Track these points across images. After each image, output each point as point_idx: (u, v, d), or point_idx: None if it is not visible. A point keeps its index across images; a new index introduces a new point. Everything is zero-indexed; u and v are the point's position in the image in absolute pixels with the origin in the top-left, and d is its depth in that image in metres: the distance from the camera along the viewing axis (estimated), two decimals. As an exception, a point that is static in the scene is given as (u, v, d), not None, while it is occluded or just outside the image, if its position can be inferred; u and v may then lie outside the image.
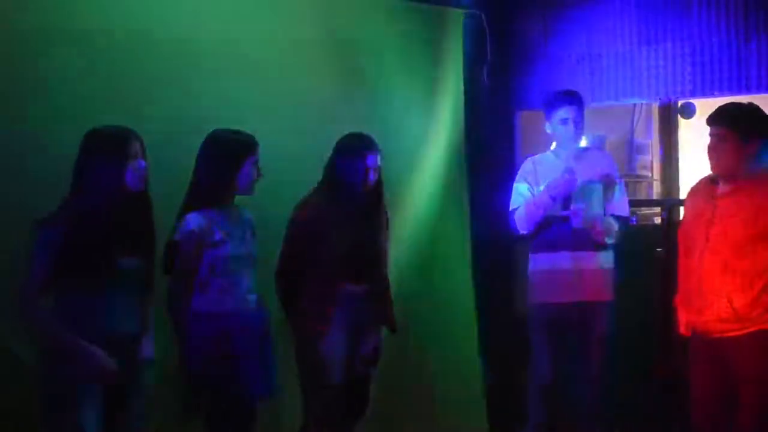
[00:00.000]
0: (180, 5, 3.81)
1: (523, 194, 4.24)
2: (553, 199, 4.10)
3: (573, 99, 4.23)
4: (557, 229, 4.17)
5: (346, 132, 3.75)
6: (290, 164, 3.90)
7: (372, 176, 3.70)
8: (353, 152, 3.67)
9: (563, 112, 4.19)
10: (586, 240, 4.17)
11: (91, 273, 2.84)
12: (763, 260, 3.38)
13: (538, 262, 4.28)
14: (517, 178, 4.33)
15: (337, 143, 3.72)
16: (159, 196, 3.19)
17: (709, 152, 3.50)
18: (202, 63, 3.82)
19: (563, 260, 4.19)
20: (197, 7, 3.88)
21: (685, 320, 3.66)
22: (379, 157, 3.70)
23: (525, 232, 4.23)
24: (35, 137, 3.23)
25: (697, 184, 3.70)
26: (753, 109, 3.51)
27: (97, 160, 2.89)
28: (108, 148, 2.91)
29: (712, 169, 3.53)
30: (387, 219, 3.88)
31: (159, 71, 3.67)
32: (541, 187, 4.19)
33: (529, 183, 4.26)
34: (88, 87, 3.47)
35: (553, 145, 4.37)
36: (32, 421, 2.91)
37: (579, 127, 4.23)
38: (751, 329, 3.40)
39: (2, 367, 3.17)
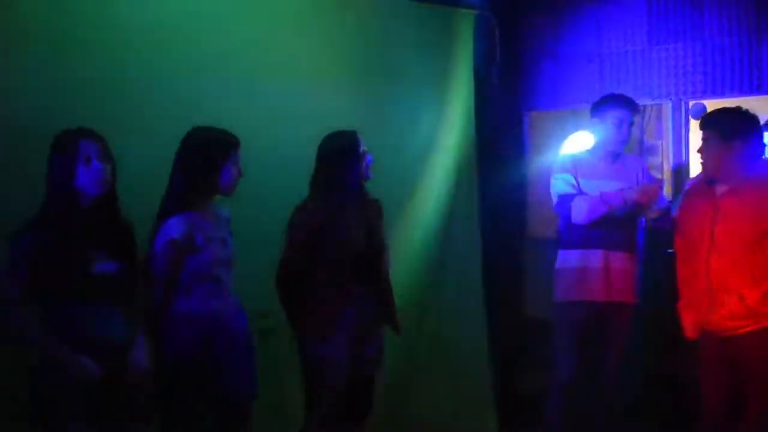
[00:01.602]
0: (181, 6, 3.80)
1: (571, 183, 4.19)
2: (625, 202, 4.04)
3: (633, 104, 4.25)
4: (591, 226, 4.14)
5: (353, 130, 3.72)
6: (299, 165, 3.88)
7: (370, 172, 3.70)
8: (353, 150, 3.65)
9: (621, 114, 4.19)
10: (619, 240, 4.18)
11: (65, 280, 2.80)
12: None
13: (570, 259, 4.25)
14: (557, 169, 4.28)
15: (329, 144, 3.67)
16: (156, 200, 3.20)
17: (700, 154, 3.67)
18: (206, 64, 3.82)
19: (596, 258, 4.17)
20: (199, 8, 3.87)
21: (691, 323, 3.72)
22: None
23: (582, 223, 4.13)
24: (35, 139, 3.20)
25: (691, 187, 3.80)
26: (736, 112, 3.61)
27: (51, 166, 2.85)
28: (58, 153, 2.85)
29: (702, 169, 3.69)
30: (382, 217, 3.86)
31: (160, 74, 3.66)
32: (584, 182, 4.18)
33: (573, 176, 4.21)
34: (87, 90, 3.46)
35: (590, 145, 4.36)
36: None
37: (629, 133, 4.25)
38: (762, 324, 3.46)
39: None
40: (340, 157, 3.64)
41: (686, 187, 4.00)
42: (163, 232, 3.10)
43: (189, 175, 3.17)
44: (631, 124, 4.25)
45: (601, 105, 4.27)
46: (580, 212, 4.11)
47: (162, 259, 3.10)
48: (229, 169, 3.20)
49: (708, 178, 3.69)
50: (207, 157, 3.18)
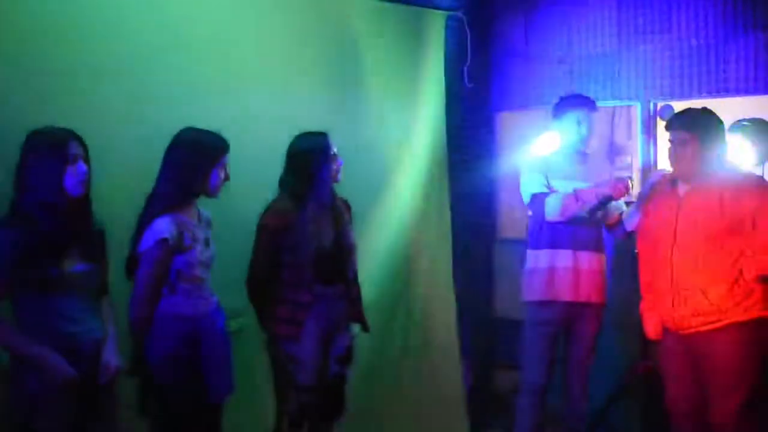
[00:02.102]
0: (170, 7, 3.78)
1: (543, 182, 4.20)
2: (599, 199, 4.04)
3: (588, 102, 4.27)
4: (559, 226, 4.16)
5: (324, 132, 3.72)
6: (268, 165, 3.87)
7: (339, 176, 3.71)
8: (324, 152, 3.65)
9: (578, 113, 4.22)
10: (587, 240, 4.21)
11: (41, 279, 2.79)
12: (731, 253, 3.50)
13: (539, 260, 4.26)
14: (528, 168, 4.29)
15: (300, 144, 3.66)
16: (130, 196, 3.20)
17: (670, 156, 3.67)
18: (182, 64, 3.78)
19: (565, 258, 4.20)
20: (186, 9, 3.84)
21: (653, 324, 3.78)
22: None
23: (556, 220, 4.14)
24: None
25: (654, 190, 3.86)
26: (709, 114, 3.65)
27: (36, 163, 2.82)
28: (46, 151, 2.83)
29: (674, 172, 3.70)
30: (351, 219, 3.87)
31: (138, 72, 3.62)
32: (553, 183, 4.19)
33: (544, 176, 4.22)
34: (81, 88, 3.43)
35: (558, 146, 4.37)
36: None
37: (591, 131, 4.27)
38: (725, 322, 3.50)
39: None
40: (311, 158, 3.64)
41: (648, 183, 4.03)
42: (152, 231, 3.08)
43: (178, 177, 3.17)
44: (591, 121, 4.27)
45: (559, 106, 4.31)
46: (554, 209, 4.13)
47: (149, 259, 3.08)
48: (217, 173, 3.21)
49: (673, 178, 3.72)
50: (197, 160, 3.18)
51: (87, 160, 2.91)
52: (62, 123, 2.93)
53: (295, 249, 3.60)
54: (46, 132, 2.87)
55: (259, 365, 3.77)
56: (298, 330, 3.60)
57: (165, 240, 3.07)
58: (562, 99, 4.36)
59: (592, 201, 4.07)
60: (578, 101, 4.28)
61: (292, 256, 3.60)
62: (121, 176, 3.41)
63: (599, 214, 4.18)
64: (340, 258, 3.73)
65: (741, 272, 3.49)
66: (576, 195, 4.09)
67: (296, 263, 3.61)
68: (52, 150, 2.84)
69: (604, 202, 4.07)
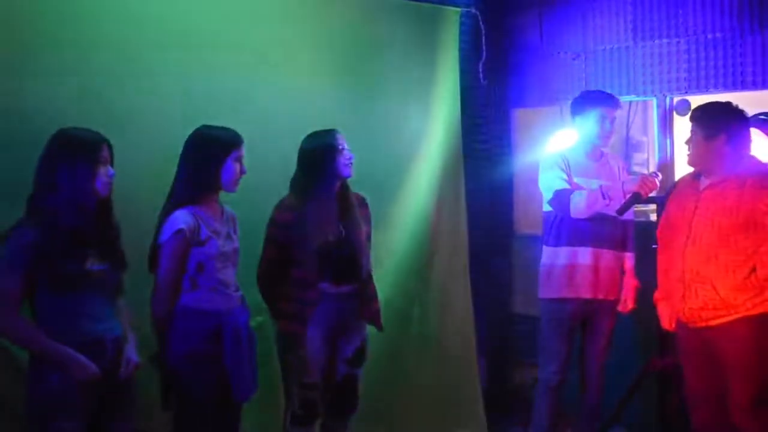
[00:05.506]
0: (178, 4, 3.80)
1: (564, 179, 4.18)
2: (627, 197, 4.01)
3: (613, 100, 4.26)
4: (580, 223, 4.16)
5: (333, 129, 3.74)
6: (286, 164, 3.89)
7: (349, 171, 3.71)
8: (334, 149, 3.66)
9: (603, 111, 4.21)
10: (607, 237, 4.20)
11: (66, 278, 2.83)
12: (744, 249, 3.50)
13: (559, 256, 4.25)
14: (549, 165, 4.26)
15: (306, 143, 3.70)
16: (150, 194, 3.26)
17: (688, 149, 3.70)
18: (197, 62, 3.81)
19: (585, 256, 4.19)
20: (194, 6, 3.86)
21: (667, 314, 3.79)
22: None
23: (582, 217, 4.13)
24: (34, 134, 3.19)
25: (679, 181, 3.85)
26: (722, 107, 3.64)
27: (68, 165, 2.85)
28: (79, 153, 2.87)
29: (689, 163, 3.72)
30: (368, 215, 3.88)
31: (153, 70, 3.65)
32: (576, 179, 4.19)
33: (565, 173, 4.21)
34: (95, 87, 3.47)
35: (575, 143, 4.36)
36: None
37: (612, 127, 4.27)
38: (735, 316, 3.50)
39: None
40: (316, 155, 3.66)
41: (676, 183, 4.03)
42: (170, 223, 3.15)
43: (191, 172, 3.23)
44: (614, 118, 4.26)
45: (582, 103, 4.28)
46: (580, 206, 4.10)
47: (169, 250, 3.15)
48: (229, 166, 3.25)
49: (695, 171, 3.72)
50: (207, 155, 3.23)
51: (113, 163, 2.97)
52: (77, 123, 2.96)
53: (300, 245, 3.61)
54: (79, 134, 2.91)
55: (276, 363, 3.79)
56: (303, 328, 3.61)
57: (181, 230, 3.13)
58: (584, 95, 4.34)
59: (619, 199, 4.05)
60: (604, 98, 4.25)
61: (299, 252, 3.62)
62: (139, 175, 3.44)
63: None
64: (350, 256, 3.72)
65: (754, 269, 3.48)
66: (603, 192, 4.07)
67: (303, 260, 3.62)
68: (87, 152, 2.88)
69: (633, 200, 4.03)
